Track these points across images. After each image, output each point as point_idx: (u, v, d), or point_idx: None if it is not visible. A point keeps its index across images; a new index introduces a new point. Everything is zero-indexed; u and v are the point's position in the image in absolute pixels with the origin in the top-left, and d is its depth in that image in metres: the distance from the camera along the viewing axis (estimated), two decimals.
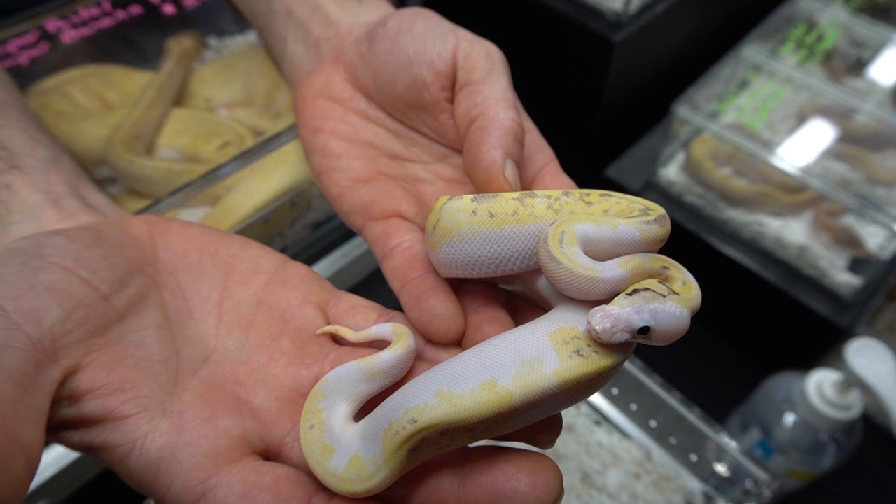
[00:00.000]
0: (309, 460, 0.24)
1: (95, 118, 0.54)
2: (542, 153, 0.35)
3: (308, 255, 0.56)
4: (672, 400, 0.59)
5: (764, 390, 0.69)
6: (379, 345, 0.28)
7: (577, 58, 0.76)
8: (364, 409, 0.26)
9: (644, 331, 0.23)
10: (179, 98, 0.58)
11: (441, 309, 0.29)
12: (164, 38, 0.59)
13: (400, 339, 0.27)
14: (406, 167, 0.37)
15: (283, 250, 0.56)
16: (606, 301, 0.25)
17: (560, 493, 0.24)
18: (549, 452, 0.60)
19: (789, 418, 0.66)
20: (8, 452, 0.19)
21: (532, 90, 0.83)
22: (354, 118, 0.37)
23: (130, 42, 0.58)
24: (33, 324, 0.24)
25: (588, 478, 0.59)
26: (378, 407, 0.25)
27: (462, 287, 0.31)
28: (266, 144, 0.50)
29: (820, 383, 0.63)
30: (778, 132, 0.82)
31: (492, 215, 0.27)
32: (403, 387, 0.24)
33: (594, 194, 0.28)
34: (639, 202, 0.28)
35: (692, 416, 0.57)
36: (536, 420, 0.25)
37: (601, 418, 0.63)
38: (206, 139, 0.55)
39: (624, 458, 0.60)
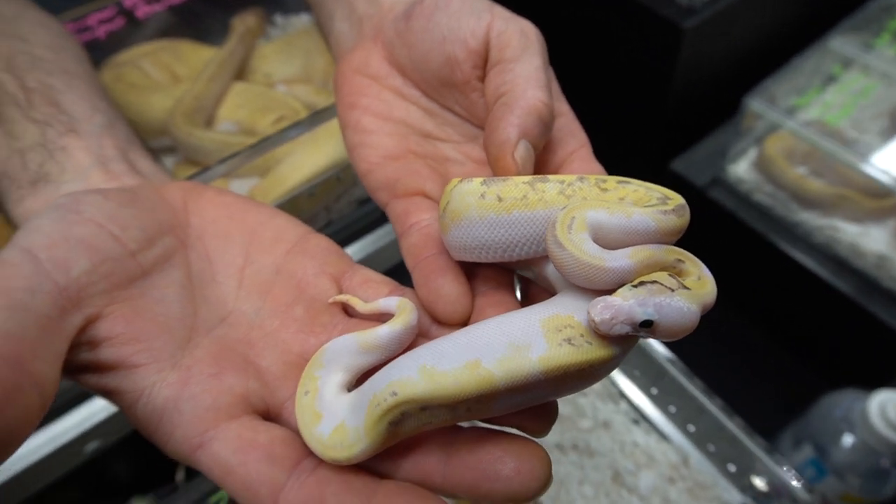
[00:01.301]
0: (299, 425, 0.25)
1: (163, 90, 0.57)
2: (573, 137, 0.34)
3: (352, 230, 0.58)
4: (713, 406, 0.56)
5: (822, 406, 0.65)
6: (386, 318, 0.29)
7: (645, 45, 0.73)
8: (360, 381, 0.27)
9: (647, 324, 0.22)
10: (241, 73, 0.60)
11: (448, 290, 0.29)
12: (230, 14, 0.61)
13: (401, 314, 0.27)
14: (437, 146, 0.37)
15: (328, 225, 0.57)
16: (612, 291, 0.24)
17: (546, 481, 0.24)
18: (583, 446, 0.59)
19: (848, 439, 0.62)
20: (22, 385, 0.21)
21: (597, 77, 0.80)
22: (389, 95, 0.37)
23: (199, 18, 0.60)
24: (62, 272, 0.25)
25: (620, 477, 0.58)
26: (367, 380, 0.25)
27: (476, 270, 0.31)
28: (314, 118, 0.51)
29: (884, 405, 0.58)
30: (866, 131, 0.76)
31: (500, 199, 0.26)
32: (392, 361, 0.25)
33: (611, 181, 0.27)
34: (658, 190, 0.27)
35: (733, 426, 0.55)
36: (525, 405, 0.24)
37: (640, 417, 0.61)
38: (263, 113, 0.57)
39: (660, 460, 0.58)
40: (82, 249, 0.27)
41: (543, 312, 0.24)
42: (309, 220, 0.53)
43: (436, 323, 0.29)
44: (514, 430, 0.26)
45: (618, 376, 0.63)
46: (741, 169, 0.78)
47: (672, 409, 0.59)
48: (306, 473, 0.24)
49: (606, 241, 0.25)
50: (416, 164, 0.35)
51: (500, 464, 0.24)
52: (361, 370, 0.27)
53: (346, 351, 0.26)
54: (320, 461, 0.25)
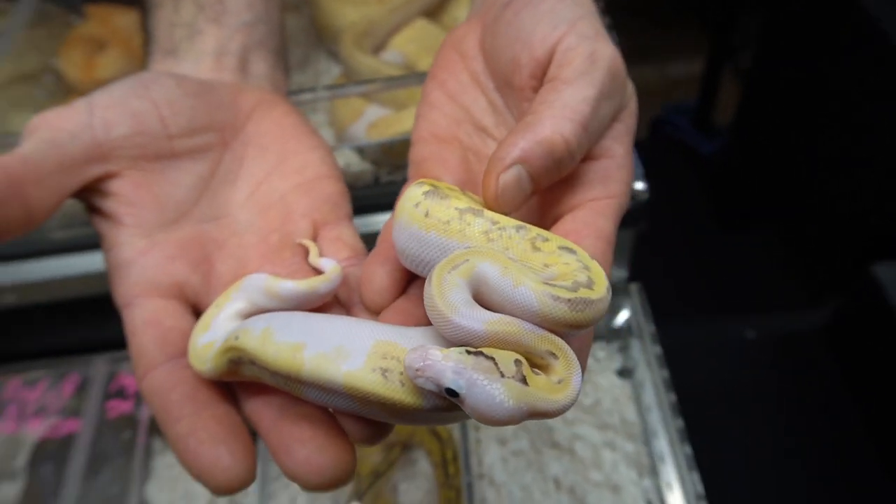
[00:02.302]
0: (194, 328, 0.29)
1: (357, 4, 0.62)
2: (604, 185, 0.31)
3: None
4: None
5: None
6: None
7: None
8: None
9: (453, 394, 0.21)
10: (432, 11, 0.63)
11: (377, 279, 0.29)
12: None
13: (318, 279, 0.29)
14: (485, 143, 0.36)
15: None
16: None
17: (329, 484, 0.25)
18: (579, 495, 0.55)
19: None
20: (10, 200, 0.27)
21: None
22: (465, 78, 0.37)
23: None
24: (104, 130, 0.31)
25: None
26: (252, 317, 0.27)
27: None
28: None
29: None
30: None
31: (427, 215, 0.26)
32: (269, 313, 0.27)
33: (553, 242, 0.25)
34: (593, 275, 0.24)
35: None
36: (347, 409, 0.25)
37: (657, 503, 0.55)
38: (428, 53, 0.59)
39: None
40: (129, 118, 0.32)
41: (387, 335, 0.24)
42: (396, 170, 0.55)
43: (362, 303, 0.30)
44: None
45: (667, 465, 0.57)
46: None
47: None
48: (179, 367, 0.28)
49: (488, 301, 0.24)
50: (449, 152, 0.35)
51: (298, 445, 0.25)
52: (261, 309, 0.29)
53: (255, 287, 0.29)
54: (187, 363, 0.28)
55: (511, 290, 0.23)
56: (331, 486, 0.25)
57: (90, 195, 0.32)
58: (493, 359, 0.22)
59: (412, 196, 0.27)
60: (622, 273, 0.66)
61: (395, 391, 0.22)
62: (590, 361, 0.62)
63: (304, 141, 0.37)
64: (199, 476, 0.25)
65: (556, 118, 0.29)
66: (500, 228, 0.25)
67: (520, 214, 0.34)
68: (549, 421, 0.59)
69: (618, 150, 0.32)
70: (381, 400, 0.22)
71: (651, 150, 1.10)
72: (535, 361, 0.23)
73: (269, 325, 0.25)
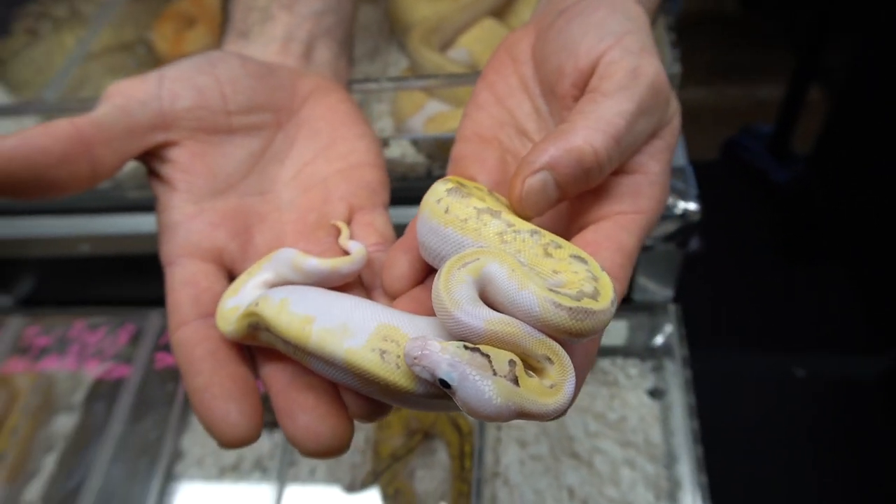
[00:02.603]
0: (225, 292, 0.31)
1: (428, 1, 0.63)
2: (633, 200, 0.31)
3: None
4: None
5: None
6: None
7: None
8: None
9: (446, 385, 0.22)
10: (502, 12, 0.63)
11: (398, 266, 0.31)
12: None
13: (343, 259, 0.31)
14: (525, 147, 0.37)
15: None
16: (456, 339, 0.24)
17: (328, 451, 0.26)
18: None
19: None
20: (79, 157, 0.30)
21: None
22: (515, 82, 0.38)
23: None
24: (170, 101, 0.34)
25: None
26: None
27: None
28: None
29: None
30: None
31: (447, 212, 0.27)
32: (293, 285, 0.28)
33: (566, 250, 0.26)
34: (601, 285, 0.25)
35: None
36: (349, 385, 0.26)
37: None
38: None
39: None
40: (193, 92, 0.35)
41: (393, 320, 0.25)
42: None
43: (382, 288, 0.32)
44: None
45: (685, 492, 0.56)
46: None
47: None
48: (207, 326, 0.30)
49: (493, 300, 0.24)
50: (488, 153, 0.36)
51: (301, 412, 0.27)
52: (287, 281, 0.31)
53: (284, 261, 0.31)
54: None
55: (515, 293, 0.24)
56: (325, 454, 0.26)
57: (151, 159, 0.35)
58: (488, 356, 0.22)
59: (436, 191, 0.28)
60: (667, 292, 0.65)
61: (390, 372, 0.24)
62: (621, 377, 0.62)
63: (353, 128, 0.39)
64: (208, 428, 0.27)
65: (590, 129, 0.29)
66: (514, 231, 0.26)
67: (546, 220, 0.34)
68: (571, 430, 0.59)
69: (653, 167, 0.32)
70: (375, 379, 0.24)
71: (720, 172, 1.07)
72: (532, 364, 0.24)
73: (287, 296, 0.27)
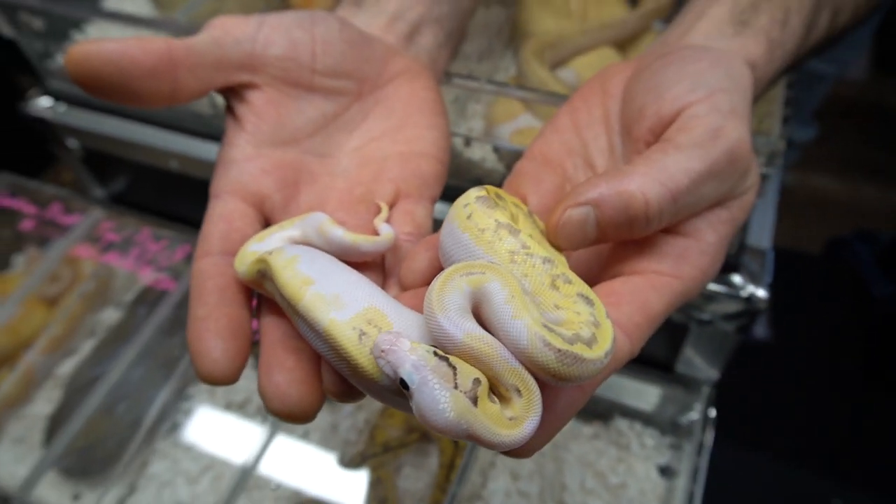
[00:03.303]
0: (255, 236, 0.32)
1: (559, 16, 0.62)
2: (673, 262, 0.30)
3: None
4: None
5: None
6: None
7: None
8: None
9: (405, 385, 0.22)
10: (624, 45, 0.62)
11: (416, 262, 0.30)
12: None
13: (368, 238, 0.31)
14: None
15: None
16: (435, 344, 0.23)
17: (291, 414, 0.26)
18: None
19: None
20: (164, 75, 0.32)
21: None
22: (598, 114, 0.36)
23: None
24: (263, 46, 0.35)
25: None
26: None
27: None
28: None
29: None
30: None
31: (469, 218, 0.26)
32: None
33: (574, 288, 0.25)
34: (602, 336, 0.23)
35: None
36: (326, 358, 0.26)
37: None
38: None
39: None
40: (287, 44, 0.36)
41: (384, 307, 0.25)
42: None
43: (398, 277, 0.32)
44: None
45: None
46: None
47: None
48: (226, 263, 0.31)
49: (485, 319, 0.24)
50: (548, 176, 0.35)
51: (278, 370, 0.27)
52: (310, 243, 0.31)
53: (313, 223, 0.31)
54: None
55: (508, 319, 0.23)
56: (288, 417, 0.27)
57: (230, 95, 0.36)
58: (455, 368, 0.22)
59: (467, 196, 0.27)
60: (712, 373, 0.61)
61: (362, 355, 0.23)
62: (635, 444, 0.59)
63: (427, 117, 0.39)
64: (193, 357, 0.28)
65: (648, 178, 0.28)
66: (527, 254, 0.25)
67: (581, 255, 0.33)
68: (568, 479, 0.57)
69: (708, 236, 0.30)
70: (347, 356, 0.24)
71: (819, 268, 0.99)
72: (499, 391, 0.23)
73: (299, 254, 0.27)
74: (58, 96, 0.73)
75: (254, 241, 0.31)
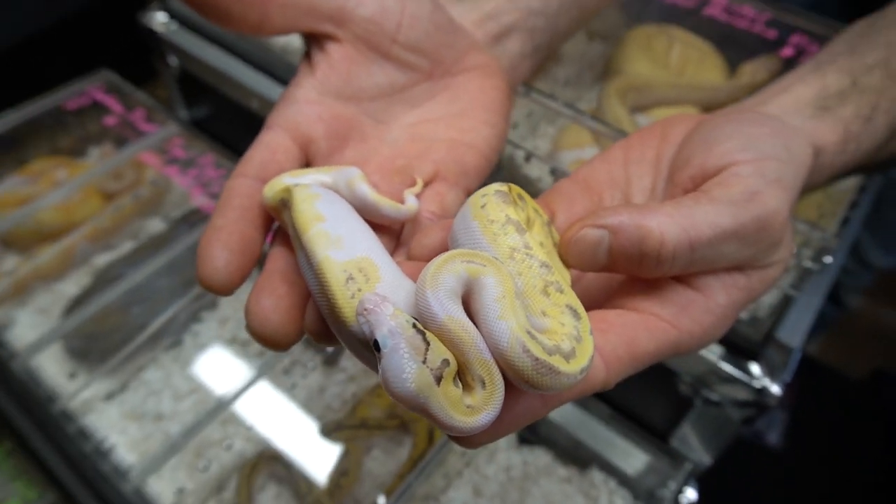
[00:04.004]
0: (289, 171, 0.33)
1: (652, 63, 0.62)
2: (675, 311, 0.29)
3: None
4: None
5: None
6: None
7: None
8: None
9: (377, 347, 0.22)
10: (710, 108, 0.61)
11: (429, 237, 0.31)
12: (746, 55, 0.61)
13: (390, 203, 0.31)
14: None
15: None
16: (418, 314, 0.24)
17: (264, 337, 0.27)
18: None
19: None
20: (255, 5, 0.34)
21: None
22: (650, 156, 0.36)
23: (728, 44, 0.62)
24: (354, 4, 0.37)
25: None
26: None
27: None
28: None
29: None
30: None
31: (482, 207, 0.27)
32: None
33: (564, 297, 0.25)
34: (581, 352, 0.23)
35: None
36: (314, 296, 0.27)
37: None
38: None
39: None
40: (377, 8, 0.37)
41: (379, 260, 0.26)
42: None
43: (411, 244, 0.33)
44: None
45: None
46: None
47: None
48: (257, 188, 0.33)
49: (472, 309, 0.24)
50: (582, 199, 0.35)
51: (268, 294, 0.28)
52: (336, 192, 0.32)
53: (346, 175, 0.32)
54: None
55: (493, 317, 0.23)
56: (263, 340, 0.28)
57: (311, 40, 0.38)
58: (428, 344, 0.22)
59: (488, 188, 0.28)
60: (705, 457, 0.59)
61: (343, 296, 0.24)
62: (604, 498, 0.57)
63: (488, 115, 0.40)
64: (197, 260, 0.29)
65: (670, 219, 0.27)
66: (527, 254, 0.25)
67: (593, 285, 0.33)
68: None
69: (719, 297, 0.30)
70: (330, 294, 0.24)
71: (854, 397, 0.94)
72: (466, 379, 0.23)
73: (321, 194, 0.28)
74: (173, 14, 0.78)
75: (288, 174, 0.32)
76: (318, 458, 0.57)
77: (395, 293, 0.25)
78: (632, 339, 0.28)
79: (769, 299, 0.53)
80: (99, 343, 0.62)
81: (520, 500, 0.56)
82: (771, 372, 0.51)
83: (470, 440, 0.24)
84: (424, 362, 0.22)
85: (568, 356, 0.23)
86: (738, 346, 0.52)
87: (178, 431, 0.57)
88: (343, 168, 0.33)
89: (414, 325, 0.23)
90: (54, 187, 0.71)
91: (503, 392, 0.23)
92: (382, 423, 0.59)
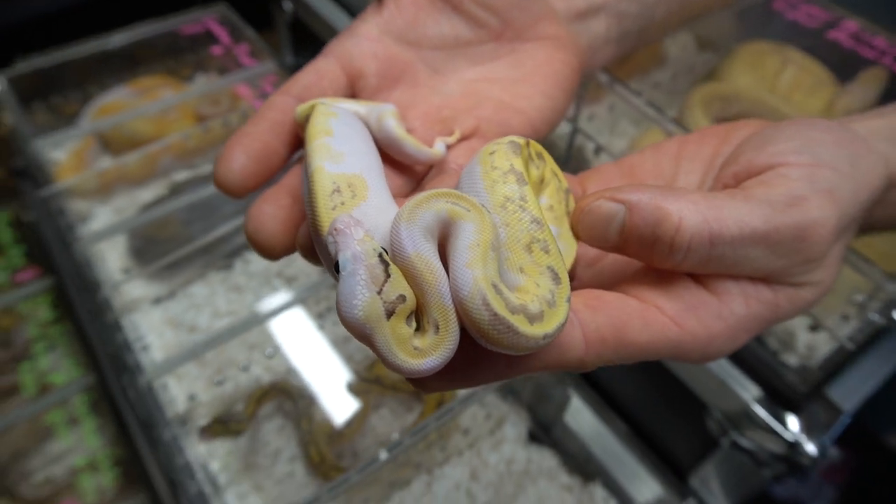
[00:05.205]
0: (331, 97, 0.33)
1: (758, 83, 0.58)
2: (682, 308, 0.27)
3: None
4: None
5: None
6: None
7: None
8: None
9: (337, 268, 0.22)
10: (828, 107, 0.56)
11: (444, 184, 0.30)
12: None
13: (414, 142, 0.31)
14: None
15: None
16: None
17: (258, 242, 0.28)
18: None
19: None
20: None
21: None
22: (706, 152, 0.34)
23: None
24: None
25: None
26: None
27: None
28: None
29: None
30: None
31: (491, 154, 0.26)
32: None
33: (550, 257, 0.23)
34: (550, 318, 0.22)
35: None
36: (304, 200, 0.27)
37: None
38: None
39: None
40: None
41: (372, 182, 0.26)
42: None
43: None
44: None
45: None
46: None
47: None
48: (294, 105, 0.33)
49: (444, 250, 0.23)
50: (618, 179, 0.34)
51: (272, 203, 0.28)
52: (367, 124, 0.32)
53: (379, 110, 0.32)
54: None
55: (461, 264, 0.22)
56: (256, 245, 0.28)
57: None
58: (388, 276, 0.21)
59: (505, 138, 0.27)
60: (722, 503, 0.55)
61: (325, 203, 0.24)
62: None
63: (549, 87, 0.38)
64: (215, 161, 0.30)
65: (694, 207, 0.25)
66: (520, 207, 0.24)
67: (606, 270, 0.31)
68: None
69: (736, 306, 0.27)
70: (314, 199, 0.24)
71: None
72: (422, 322, 0.22)
73: (340, 115, 0.28)
74: None
75: (327, 98, 0.33)
76: (327, 402, 0.58)
77: (376, 218, 0.24)
78: (623, 324, 0.25)
79: (826, 349, 0.48)
80: (156, 249, 0.66)
81: (513, 495, 0.54)
82: (810, 429, 0.46)
83: (422, 383, 0.24)
84: (379, 293, 0.21)
85: (533, 318, 0.21)
86: (779, 392, 0.48)
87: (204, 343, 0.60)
88: (380, 104, 0.33)
89: (380, 255, 0.22)
90: (156, 102, 0.76)
91: (456, 341, 0.22)
92: (397, 384, 0.59)
